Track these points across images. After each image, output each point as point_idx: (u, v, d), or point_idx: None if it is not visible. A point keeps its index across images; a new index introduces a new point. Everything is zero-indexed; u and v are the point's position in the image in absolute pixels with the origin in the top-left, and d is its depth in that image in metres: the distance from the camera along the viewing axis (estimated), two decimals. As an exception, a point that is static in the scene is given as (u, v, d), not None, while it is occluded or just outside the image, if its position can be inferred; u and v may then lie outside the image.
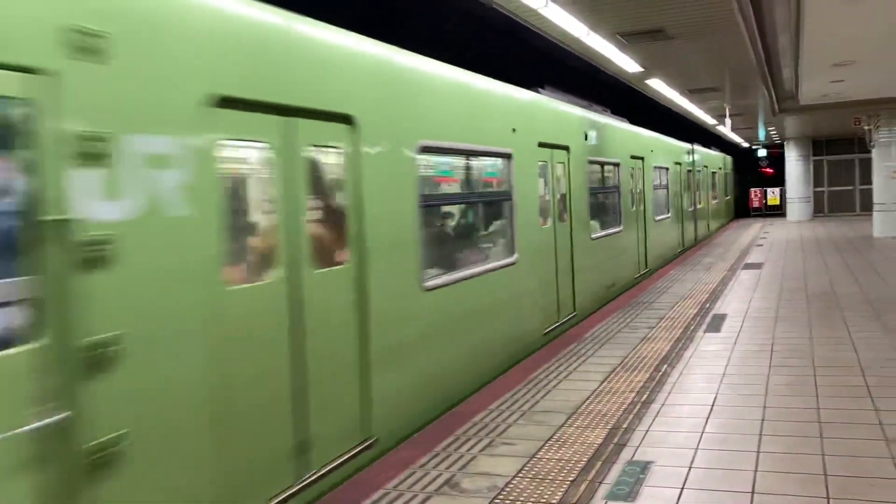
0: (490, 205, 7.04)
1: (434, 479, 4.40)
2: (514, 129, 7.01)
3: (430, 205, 5.47)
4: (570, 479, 4.64)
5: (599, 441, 5.25)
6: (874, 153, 20.34)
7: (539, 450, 5.12)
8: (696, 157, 22.10)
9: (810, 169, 31.79)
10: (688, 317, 9.67)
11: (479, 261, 6.65)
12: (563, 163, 8.94)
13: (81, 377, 2.75)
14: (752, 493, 4.47)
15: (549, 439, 5.30)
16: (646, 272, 13.32)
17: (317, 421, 3.95)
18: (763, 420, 5.69)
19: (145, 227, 3.03)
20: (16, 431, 2.59)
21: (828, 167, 32.18)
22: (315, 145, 4.06)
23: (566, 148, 9.09)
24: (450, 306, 5.65)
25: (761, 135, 30.30)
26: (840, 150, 31.95)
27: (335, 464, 4.12)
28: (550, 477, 4.66)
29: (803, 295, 11.13)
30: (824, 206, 32.26)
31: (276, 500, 3.66)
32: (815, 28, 9.43)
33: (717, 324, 9.16)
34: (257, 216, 3.79)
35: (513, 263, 7.09)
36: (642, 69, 12.29)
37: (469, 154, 6.20)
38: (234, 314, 3.44)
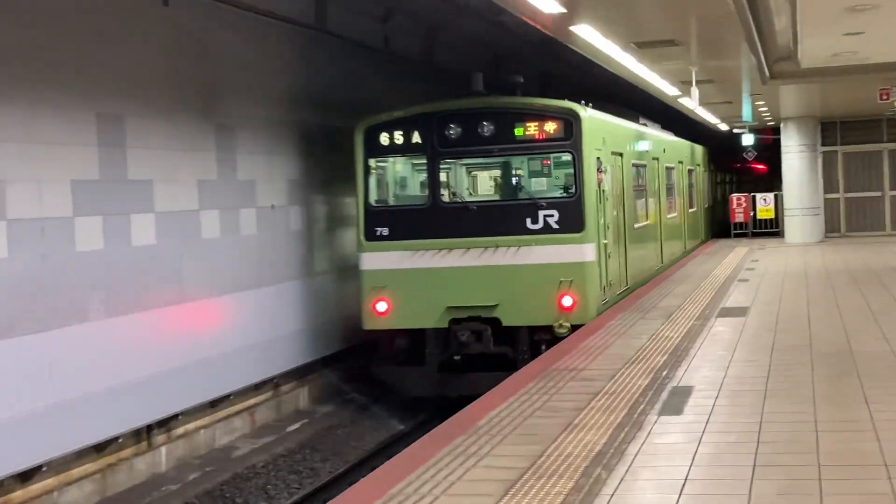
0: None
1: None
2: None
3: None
4: None
5: None
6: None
7: None
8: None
9: (818, 165, 32.17)
10: (635, 391, 9.98)
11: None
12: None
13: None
14: None
15: None
16: (661, 267, 24.24)
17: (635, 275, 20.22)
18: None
19: (614, 196, 18.67)
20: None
21: (844, 162, 32.36)
22: (639, 166, 21.89)
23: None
24: (639, 237, 21.24)
25: (746, 113, 30.45)
26: (861, 137, 32.10)
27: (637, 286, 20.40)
28: None
29: (805, 355, 11.59)
30: (839, 221, 32.60)
31: (624, 289, 19.10)
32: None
33: (677, 402, 9.45)
34: (643, 197, 22.06)
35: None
36: (564, 10, 12.27)
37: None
38: (638, 235, 20.67)
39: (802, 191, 32.16)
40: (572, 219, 16.69)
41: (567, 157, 16.94)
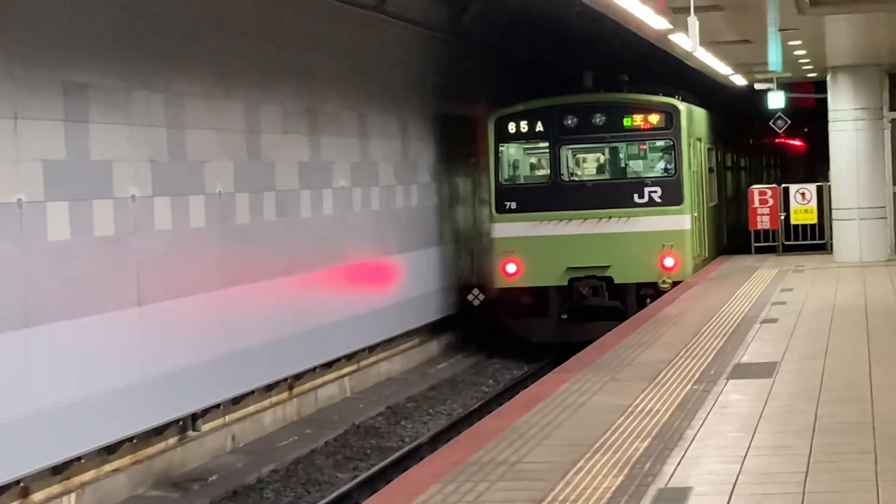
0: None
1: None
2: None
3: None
4: None
5: None
6: None
7: None
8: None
9: (886, 141, 24.72)
10: (600, 497, 7.70)
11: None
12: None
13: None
14: None
15: None
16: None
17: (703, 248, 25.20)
18: None
19: (699, 177, 24.52)
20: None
21: None
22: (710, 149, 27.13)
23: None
24: (712, 214, 26.94)
25: (774, 59, 22.59)
26: None
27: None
28: None
29: (866, 440, 9.01)
30: None
31: (702, 259, 24.54)
32: None
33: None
34: (712, 179, 27.83)
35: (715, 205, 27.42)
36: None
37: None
38: (710, 214, 26.23)
39: (860, 181, 24.20)
40: (673, 194, 22.16)
41: (668, 143, 22.46)
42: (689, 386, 11.76)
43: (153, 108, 14.61)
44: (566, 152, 22.69)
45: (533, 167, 23.32)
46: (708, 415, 10.25)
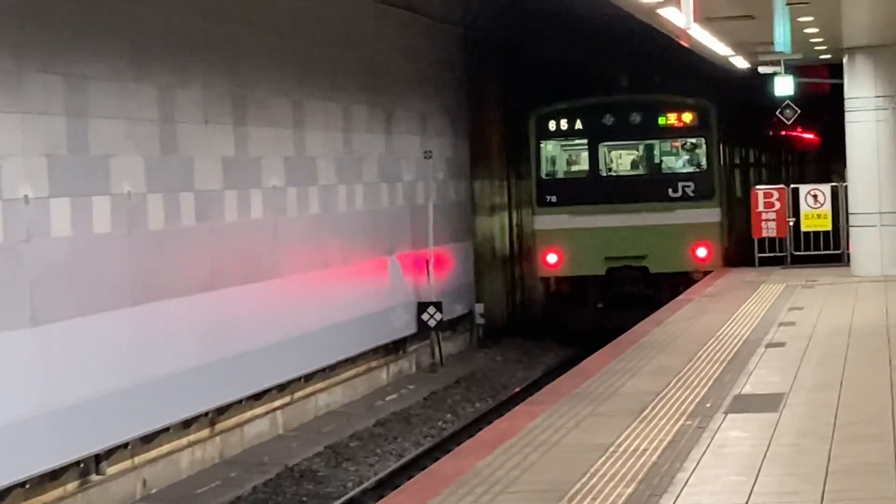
0: None
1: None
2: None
3: None
4: None
5: None
6: None
7: None
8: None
9: None
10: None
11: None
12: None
13: None
14: None
15: None
16: None
17: None
18: None
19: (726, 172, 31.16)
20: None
21: None
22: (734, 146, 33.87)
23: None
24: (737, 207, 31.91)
25: (781, 38, 21.74)
26: None
27: None
28: None
29: (889, 486, 8.98)
30: None
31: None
32: None
33: None
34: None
35: None
36: None
37: None
38: (737, 204, 32.35)
39: (881, 181, 24.21)
40: (705, 189, 27.18)
41: (701, 140, 27.64)
42: (681, 421, 11.79)
43: (50, 93, 14.49)
44: (604, 149, 27.81)
45: (571, 163, 28.34)
46: (703, 455, 10.25)
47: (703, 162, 27.58)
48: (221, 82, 17.99)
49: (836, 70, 27.33)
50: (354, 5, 22.30)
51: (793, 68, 27.72)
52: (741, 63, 28.18)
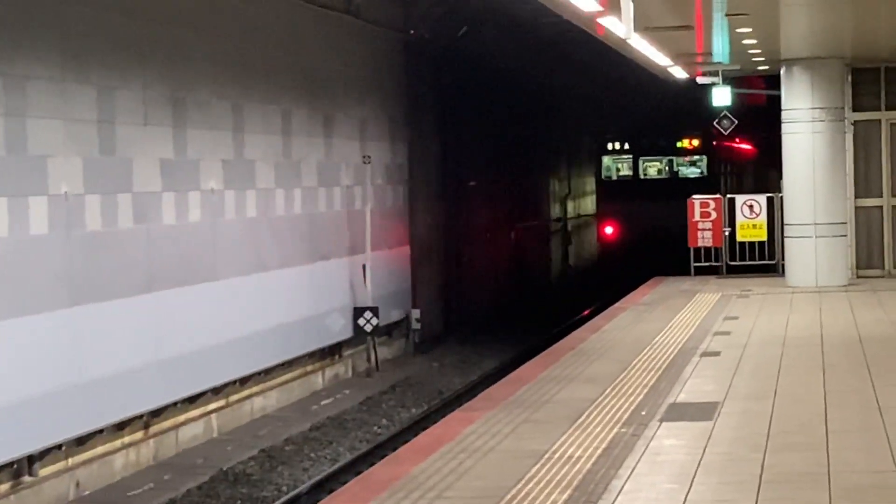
0: None
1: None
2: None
3: None
4: None
5: None
6: None
7: None
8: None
9: (847, 146, 24.86)
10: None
11: None
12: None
13: None
14: None
15: None
16: None
17: None
18: None
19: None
20: None
21: (893, 142, 24.96)
22: None
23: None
24: None
25: (720, 49, 23.12)
26: None
27: None
28: None
29: (821, 496, 9.05)
30: (882, 248, 25.36)
31: None
32: None
33: None
34: None
35: None
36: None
37: None
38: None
39: (817, 193, 24.10)
40: (708, 187, 38.15)
41: (701, 157, 44.11)
42: (616, 429, 11.75)
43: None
44: (644, 161, 44.85)
45: (622, 170, 45.19)
46: (638, 462, 10.25)
47: (705, 170, 44.64)
48: (161, 84, 17.86)
49: (773, 81, 27.14)
50: (294, 8, 22.23)
51: (732, 78, 27.63)
52: (680, 73, 27.91)
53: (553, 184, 47.68)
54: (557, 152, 48.15)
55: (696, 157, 44.65)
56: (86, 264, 16.03)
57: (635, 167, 44.87)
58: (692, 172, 44.48)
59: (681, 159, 44.80)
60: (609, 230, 44.52)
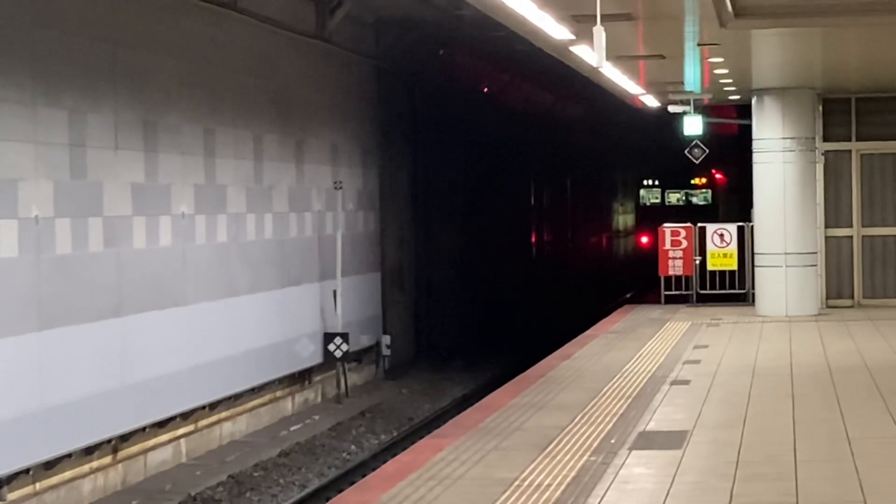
0: None
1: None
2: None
3: None
4: None
5: None
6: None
7: None
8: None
9: (817, 176, 24.72)
10: None
11: None
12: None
13: None
14: None
15: None
16: None
17: None
18: None
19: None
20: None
21: (863, 172, 25.17)
22: None
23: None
24: None
25: (692, 79, 23.19)
26: (893, 128, 24.75)
27: None
28: None
29: None
30: (852, 278, 25.29)
31: None
32: None
33: None
34: None
35: None
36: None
37: None
38: None
39: (787, 223, 24.03)
40: (712, 213, 57.22)
41: (708, 190, 68.86)
42: (585, 457, 11.68)
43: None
44: (668, 192, 67.48)
45: (652, 198, 68.91)
46: (607, 491, 10.19)
47: (710, 200, 66.20)
48: (132, 108, 17.83)
49: (745, 111, 27.11)
50: (266, 33, 22.22)
51: (703, 108, 27.41)
52: (652, 102, 27.75)
53: (532, 210, 48.97)
54: (535, 178, 48.62)
55: (704, 190, 68.22)
56: (55, 288, 15.95)
57: (663, 195, 69.68)
58: (701, 200, 67.79)
59: (693, 191, 68.72)
60: (644, 240, 63.20)
